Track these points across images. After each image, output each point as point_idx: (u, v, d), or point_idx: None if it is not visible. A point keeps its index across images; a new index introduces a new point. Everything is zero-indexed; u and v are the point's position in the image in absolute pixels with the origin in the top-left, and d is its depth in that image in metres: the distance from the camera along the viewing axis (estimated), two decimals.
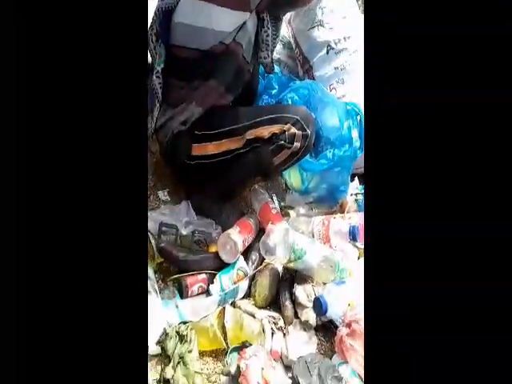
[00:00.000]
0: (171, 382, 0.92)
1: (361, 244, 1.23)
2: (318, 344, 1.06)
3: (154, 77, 1.18)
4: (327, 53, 1.68)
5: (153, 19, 1.16)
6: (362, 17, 1.69)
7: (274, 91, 1.55)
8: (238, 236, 1.13)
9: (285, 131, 1.15)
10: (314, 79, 1.72)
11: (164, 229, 1.15)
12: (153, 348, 0.97)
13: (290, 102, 1.42)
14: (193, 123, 1.17)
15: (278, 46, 1.71)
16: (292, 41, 1.75)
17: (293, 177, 1.39)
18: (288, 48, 1.75)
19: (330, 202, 1.37)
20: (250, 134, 1.15)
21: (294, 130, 1.16)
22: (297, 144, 1.17)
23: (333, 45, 1.66)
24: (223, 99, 1.20)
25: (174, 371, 0.93)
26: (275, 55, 1.70)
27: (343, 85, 1.66)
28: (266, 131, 1.15)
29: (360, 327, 0.99)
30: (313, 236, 1.24)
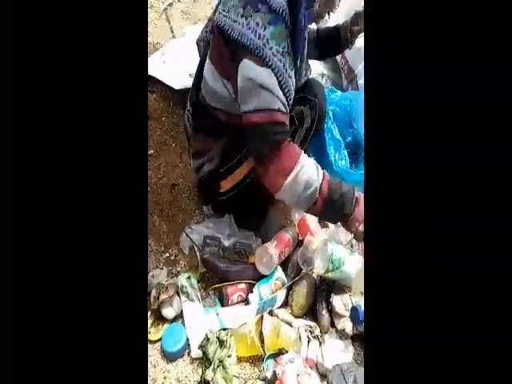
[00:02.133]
0: (211, 383, 0.99)
1: None
2: (353, 353, 1.08)
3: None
4: None
5: None
6: None
7: None
8: (274, 250, 1.18)
9: (292, 116, 1.13)
10: (357, 87, 1.73)
11: (208, 241, 1.24)
12: (195, 352, 1.06)
13: (331, 115, 1.45)
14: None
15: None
16: None
17: None
18: (330, 61, 1.77)
19: None
20: None
21: (298, 108, 1.15)
22: (307, 119, 1.18)
23: None
24: None
25: (214, 374, 1.01)
26: (318, 69, 1.74)
27: None
28: None
29: None
30: (352, 246, 1.26)
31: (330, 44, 1.35)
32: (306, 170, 0.98)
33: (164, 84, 1.58)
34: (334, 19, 1.39)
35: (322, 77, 1.75)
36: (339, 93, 1.58)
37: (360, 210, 0.99)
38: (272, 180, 1.01)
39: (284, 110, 0.98)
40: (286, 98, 0.99)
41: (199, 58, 1.22)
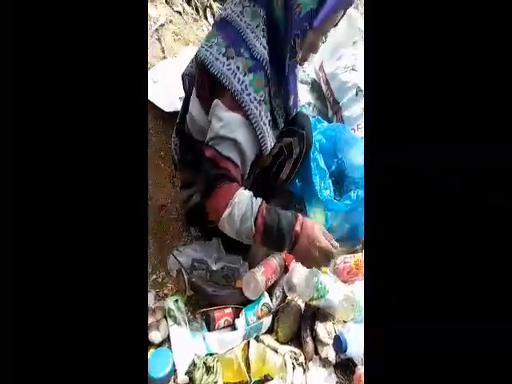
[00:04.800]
0: None
1: None
2: (336, 381, 1.11)
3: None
4: (356, 94, 1.77)
5: None
6: None
7: None
8: (261, 277, 1.20)
9: (282, 147, 1.18)
10: (342, 119, 1.81)
11: (196, 264, 1.25)
12: (181, 378, 1.06)
13: (317, 145, 1.50)
14: None
15: (306, 88, 1.80)
16: (323, 84, 1.85)
17: (317, 215, 1.46)
18: (317, 91, 1.84)
19: (353, 241, 1.43)
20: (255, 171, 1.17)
21: (287, 139, 1.19)
22: (296, 150, 1.22)
23: (362, 87, 1.75)
24: None
25: None
26: (306, 99, 1.81)
27: None
28: (265, 159, 1.15)
29: None
30: (334, 274, 1.30)
31: None
32: (240, 207, 0.97)
33: (153, 104, 1.59)
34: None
35: (309, 105, 1.81)
36: (325, 123, 1.65)
37: (301, 245, 0.98)
38: (212, 213, 1.02)
39: (237, 161, 0.99)
40: (261, 146, 1.01)
41: (184, 93, 1.23)
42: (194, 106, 1.12)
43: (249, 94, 0.95)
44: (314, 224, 1.00)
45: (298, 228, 0.98)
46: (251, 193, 1.01)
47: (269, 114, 1.02)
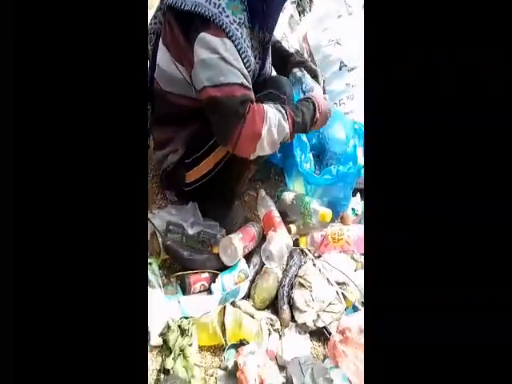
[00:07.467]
0: (171, 372, 0.96)
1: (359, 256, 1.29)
2: (311, 347, 1.11)
3: None
4: (340, 69, 1.75)
5: None
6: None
7: None
8: (239, 242, 1.18)
9: None
10: (325, 93, 1.79)
11: (171, 227, 1.20)
12: (155, 339, 1.02)
13: None
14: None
15: None
16: (306, 56, 1.81)
17: (297, 187, 1.45)
18: None
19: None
20: None
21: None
22: None
23: (346, 62, 1.73)
24: None
25: (175, 362, 0.98)
26: None
27: (352, 100, 1.72)
28: None
29: (352, 335, 1.04)
30: (312, 246, 1.30)
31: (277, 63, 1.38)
32: (274, 119, 1.01)
33: None
34: None
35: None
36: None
37: (319, 123, 1.18)
38: (251, 139, 1.01)
39: (246, 83, 0.99)
40: (246, 68, 1.00)
41: (151, 51, 1.17)
42: (162, 57, 1.09)
43: (227, 16, 0.94)
44: (327, 104, 1.22)
45: (317, 115, 1.15)
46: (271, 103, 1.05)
47: (250, 39, 1.01)
